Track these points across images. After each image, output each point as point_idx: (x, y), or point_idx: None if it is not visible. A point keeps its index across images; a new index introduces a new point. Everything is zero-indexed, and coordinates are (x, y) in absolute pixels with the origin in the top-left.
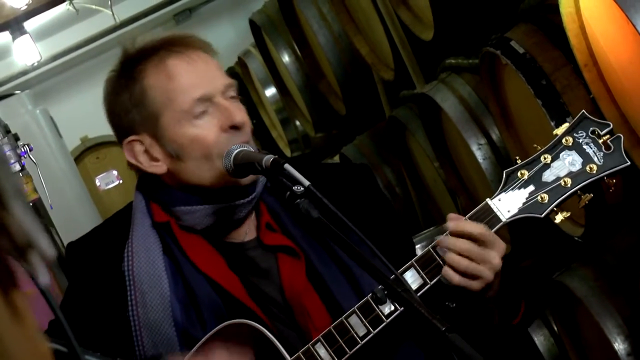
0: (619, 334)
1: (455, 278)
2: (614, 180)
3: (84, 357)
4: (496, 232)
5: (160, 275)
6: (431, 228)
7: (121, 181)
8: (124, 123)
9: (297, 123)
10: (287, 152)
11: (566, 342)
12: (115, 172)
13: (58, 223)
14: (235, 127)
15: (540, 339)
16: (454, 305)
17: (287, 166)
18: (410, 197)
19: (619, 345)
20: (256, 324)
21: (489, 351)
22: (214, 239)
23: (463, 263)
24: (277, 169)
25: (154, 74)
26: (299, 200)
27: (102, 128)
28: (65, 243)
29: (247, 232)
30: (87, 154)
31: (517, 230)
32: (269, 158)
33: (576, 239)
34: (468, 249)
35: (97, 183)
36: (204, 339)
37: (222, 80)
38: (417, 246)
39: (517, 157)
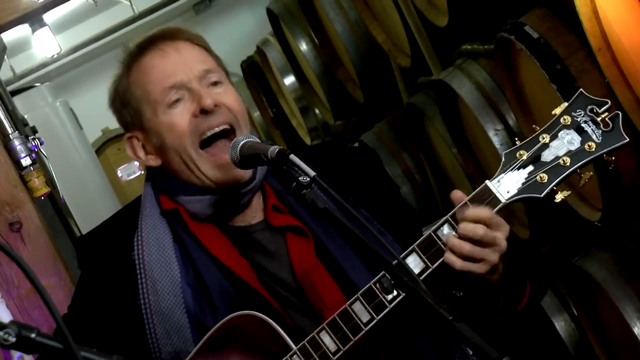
0: (638, 318)
1: (458, 263)
2: (614, 158)
3: (80, 353)
4: (509, 215)
5: (171, 262)
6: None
7: (142, 172)
8: (121, 121)
9: (317, 111)
10: (307, 140)
11: (586, 326)
12: (136, 163)
13: (78, 215)
14: (205, 111)
15: (561, 324)
16: (461, 294)
17: (292, 157)
18: (429, 183)
19: (639, 329)
20: (263, 316)
21: (498, 338)
22: (221, 224)
23: (465, 247)
24: (282, 160)
25: (134, 71)
26: (305, 190)
27: None
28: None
29: (254, 215)
30: (108, 145)
31: (536, 215)
32: (274, 149)
33: (595, 223)
34: (473, 233)
35: (119, 174)
36: (212, 331)
37: (200, 66)
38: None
39: (516, 138)
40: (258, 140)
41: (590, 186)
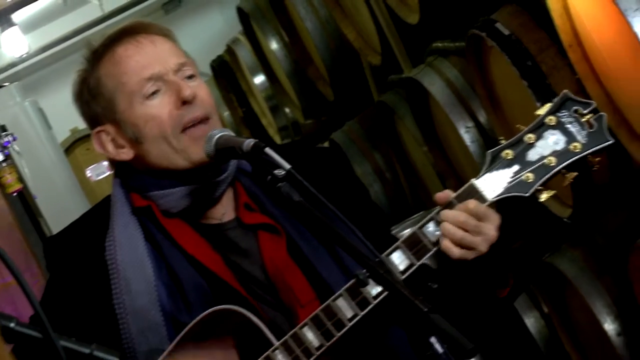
0: (608, 314)
1: (455, 250)
2: (598, 159)
3: (59, 342)
4: None
5: (144, 261)
6: (421, 212)
7: (112, 172)
8: (89, 115)
9: (287, 110)
10: (277, 139)
11: (556, 323)
12: (105, 163)
13: (48, 214)
14: (186, 102)
15: (531, 321)
16: (436, 286)
17: (267, 150)
18: (399, 181)
19: (609, 326)
20: (243, 310)
21: (474, 330)
22: (192, 221)
23: (458, 233)
24: (258, 153)
25: (105, 63)
26: (280, 184)
27: None
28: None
29: (224, 212)
30: (77, 145)
31: (506, 212)
32: (249, 142)
33: (565, 220)
34: (465, 221)
35: (88, 174)
36: (189, 327)
37: (175, 59)
38: (407, 230)
39: (502, 138)
40: (233, 134)
41: (559, 181)
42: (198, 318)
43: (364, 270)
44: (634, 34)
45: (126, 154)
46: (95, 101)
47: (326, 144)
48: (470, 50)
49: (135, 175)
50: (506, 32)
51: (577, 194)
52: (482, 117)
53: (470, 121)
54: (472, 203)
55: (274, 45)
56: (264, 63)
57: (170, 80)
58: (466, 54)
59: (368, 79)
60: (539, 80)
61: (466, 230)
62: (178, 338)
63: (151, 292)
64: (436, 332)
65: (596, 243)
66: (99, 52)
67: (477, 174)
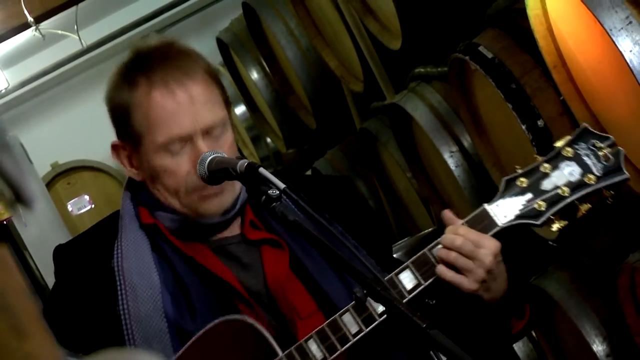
0: (597, 336)
1: (448, 274)
2: (612, 192)
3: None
4: None
5: (150, 268)
6: (405, 239)
7: (93, 206)
8: (115, 122)
9: (268, 140)
10: None
11: (545, 346)
12: (87, 197)
13: (30, 248)
14: None
15: (518, 344)
16: (434, 302)
17: (261, 170)
18: (383, 208)
19: (598, 347)
20: (251, 320)
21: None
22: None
23: (451, 255)
24: (252, 174)
25: (141, 95)
26: (275, 204)
27: (73, 153)
28: (40, 268)
29: (230, 230)
30: (58, 179)
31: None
32: (243, 163)
33: (550, 243)
34: (460, 245)
35: (69, 208)
36: (196, 336)
37: (207, 119)
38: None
39: (517, 166)
40: (226, 155)
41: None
42: (206, 328)
43: (360, 287)
44: (619, 53)
45: (138, 175)
46: (121, 119)
47: (309, 173)
48: (454, 74)
49: (144, 191)
50: (489, 55)
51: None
52: (466, 142)
53: (454, 146)
54: (462, 228)
55: (254, 75)
56: (244, 93)
57: (196, 143)
58: (450, 78)
59: (350, 106)
60: (524, 103)
61: (461, 254)
62: (185, 347)
63: (156, 299)
64: (435, 348)
65: (583, 264)
66: (136, 75)
67: (461, 199)
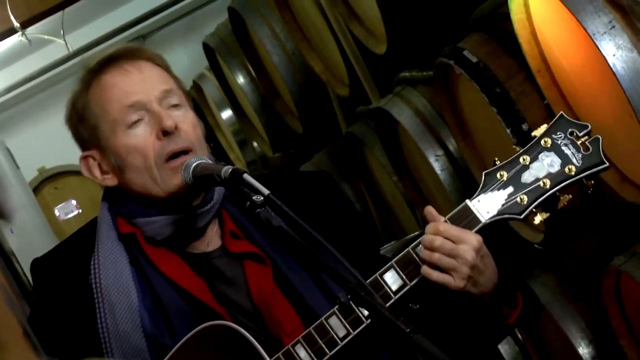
0: (582, 338)
1: (433, 274)
2: (593, 182)
3: None
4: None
5: (128, 285)
6: (392, 242)
7: (80, 210)
8: (77, 139)
9: (255, 144)
10: None
11: (530, 349)
12: (74, 202)
13: (18, 253)
14: (167, 133)
15: (505, 348)
16: (417, 306)
17: (246, 176)
18: (370, 212)
19: (584, 350)
20: (235, 326)
21: (464, 349)
22: (177, 249)
23: (434, 256)
24: (236, 179)
25: (93, 88)
26: (259, 209)
27: (60, 158)
28: (27, 274)
29: (209, 241)
30: (45, 184)
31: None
32: (227, 169)
33: (536, 245)
34: (439, 245)
35: (57, 213)
36: (177, 346)
37: (160, 87)
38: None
39: (496, 158)
40: (210, 161)
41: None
42: (190, 334)
43: (344, 292)
44: (603, 57)
45: (111, 180)
46: (82, 125)
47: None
48: (439, 79)
49: (121, 200)
50: (474, 59)
51: (549, 219)
52: (451, 145)
53: (439, 149)
54: (442, 225)
55: (240, 79)
56: (230, 98)
57: (152, 109)
58: (434, 82)
59: (336, 110)
60: (508, 106)
61: (443, 254)
62: (170, 354)
63: (134, 317)
64: (419, 352)
65: (568, 268)
66: (88, 77)
67: (447, 202)
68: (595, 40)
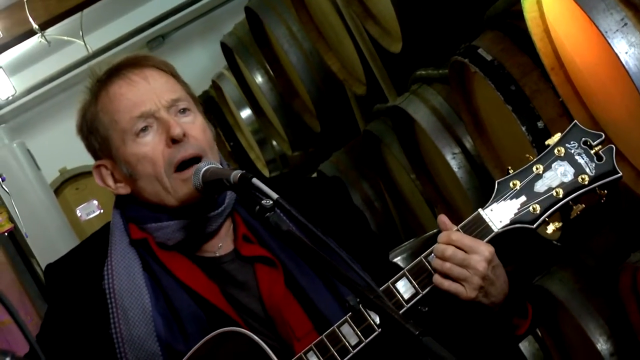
0: (601, 335)
1: (445, 283)
2: (605, 191)
3: None
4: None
5: (141, 290)
6: (411, 240)
7: (102, 211)
8: (89, 148)
9: (274, 143)
10: (266, 173)
11: (550, 345)
12: (95, 202)
13: (39, 254)
14: (175, 141)
15: (524, 344)
16: (426, 309)
17: (254, 180)
18: (389, 210)
19: (602, 346)
20: (248, 332)
21: (475, 353)
22: (189, 254)
23: (446, 266)
24: (245, 184)
25: (101, 99)
26: (268, 214)
27: (81, 158)
28: None
29: (221, 244)
30: (66, 185)
31: (497, 237)
32: (236, 173)
33: (554, 242)
34: (451, 255)
35: (78, 214)
36: (190, 352)
37: (168, 95)
38: (398, 258)
39: (509, 167)
40: (220, 166)
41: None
42: (203, 340)
43: (353, 296)
44: (615, 55)
45: (124, 188)
46: (93, 136)
47: (314, 176)
48: (454, 77)
49: (133, 207)
50: (489, 57)
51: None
52: (468, 143)
53: (456, 147)
54: (454, 235)
55: (258, 79)
56: (249, 97)
57: (161, 117)
58: (450, 80)
59: (354, 109)
60: (523, 104)
61: (454, 263)
62: (186, 357)
63: (148, 322)
64: (428, 355)
65: (586, 264)
66: (96, 87)
67: (465, 199)
68: (607, 38)
